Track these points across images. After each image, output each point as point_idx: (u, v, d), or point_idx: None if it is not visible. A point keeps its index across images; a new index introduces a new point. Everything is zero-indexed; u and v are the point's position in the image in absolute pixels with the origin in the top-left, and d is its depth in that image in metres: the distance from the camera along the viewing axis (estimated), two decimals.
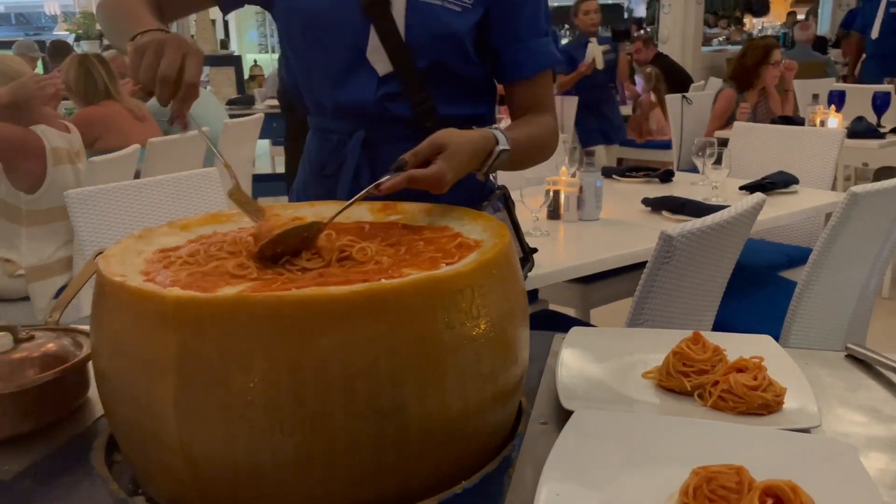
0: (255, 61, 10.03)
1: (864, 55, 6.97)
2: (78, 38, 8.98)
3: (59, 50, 6.40)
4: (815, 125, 4.11)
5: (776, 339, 1.07)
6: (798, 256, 2.79)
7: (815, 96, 4.45)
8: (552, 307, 2.59)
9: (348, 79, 1.19)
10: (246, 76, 8.86)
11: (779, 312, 1.95)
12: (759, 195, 1.74)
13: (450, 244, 0.86)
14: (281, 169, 6.25)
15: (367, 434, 0.68)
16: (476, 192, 1.26)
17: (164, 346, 0.67)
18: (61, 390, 0.88)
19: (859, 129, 4.13)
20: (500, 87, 1.30)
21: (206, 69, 8.54)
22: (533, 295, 2.40)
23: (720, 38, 13.83)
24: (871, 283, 2.05)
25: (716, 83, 5.61)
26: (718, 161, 2.60)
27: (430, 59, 1.16)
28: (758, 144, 3.23)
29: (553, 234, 2.20)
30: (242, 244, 0.86)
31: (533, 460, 0.79)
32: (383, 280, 0.72)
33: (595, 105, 5.21)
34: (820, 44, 8.38)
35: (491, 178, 1.32)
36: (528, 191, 2.11)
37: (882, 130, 4.26)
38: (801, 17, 12.13)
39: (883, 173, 4.49)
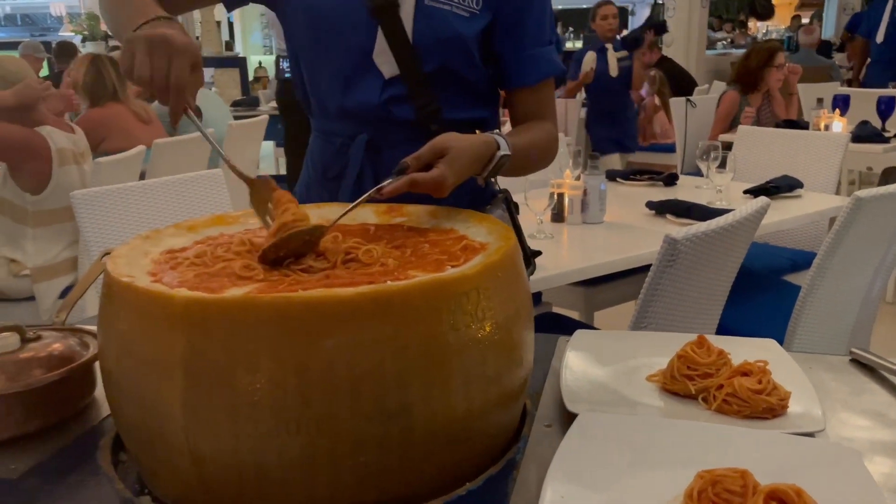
0: (260, 63, 10.04)
1: (868, 59, 6.96)
2: (84, 40, 9.01)
3: (65, 51, 6.42)
4: (819, 129, 4.11)
5: (780, 342, 1.07)
6: (802, 261, 2.78)
7: (820, 100, 4.45)
8: (556, 310, 2.59)
9: (354, 81, 1.19)
10: (251, 78, 8.88)
11: (782, 316, 1.95)
12: (763, 199, 1.74)
13: (455, 246, 0.86)
14: (285, 170, 6.26)
15: (372, 435, 0.69)
16: (479, 195, 1.26)
17: (171, 347, 0.68)
18: (68, 390, 0.88)
19: (864, 134, 4.12)
20: (502, 92, 1.31)
21: (211, 70, 8.57)
22: (537, 298, 2.40)
23: (724, 42, 13.82)
24: (875, 287, 2.05)
25: (720, 87, 5.60)
26: (723, 165, 2.59)
27: (437, 63, 1.17)
28: (762, 148, 3.23)
29: (557, 237, 2.20)
30: (249, 245, 0.87)
31: (537, 462, 0.79)
32: (389, 282, 0.72)
33: (609, 113, 5.04)
34: (824, 48, 8.37)
35: (493, 181, 1.33)
36: (532, 193, 2.12)
37: (886, 135, 4.25)
38: (805, 20, 12.13)
39: (887, 178, 4.48)
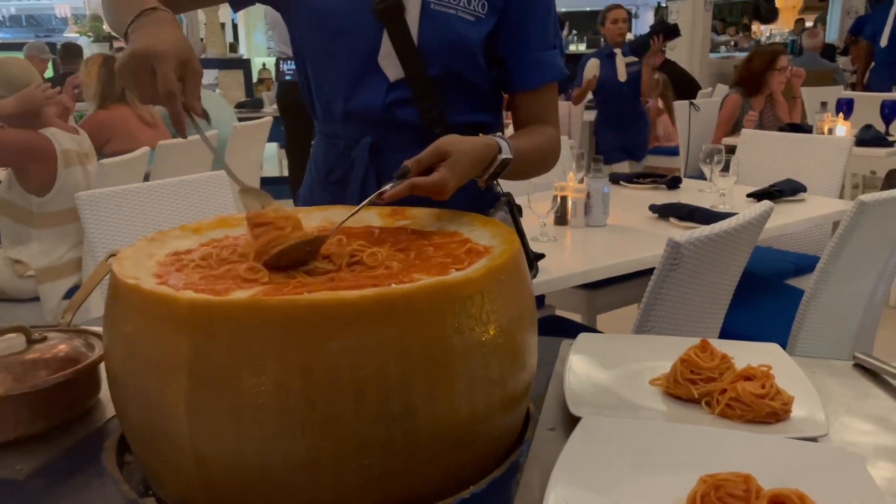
0: (264, 65, 10.06)
1: (872, 63, 6.96)
2: (91, 41, 9.04)
3: (70, 52, 6.44)
4: (823, 133, 4.11)
5: (783, 347, 1.07)
6: (805, 265, 2.78)
7: (824, 104, 4.45)
8: (558, 313, 2.59)
9: (358, 83, 1.19)
10: (254, 79, 8.90)
11: (786, 320, 1.95)
12: (766, 203, 1.74)
13: (459, 249, 0.86)
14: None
15: (376, 438, 0.69)
16: (482, 198, 1.26)
17: (176, 349, 0.68)
18: (73, 391, 0.89)
19: (867, 138, 4.12)
20: (505, 95, 1.31)
21: (215, 72, 8.59)
22: (539, 300, 2.40)
23: (728, 46, 13.82)
24: (878, 291, 2.05)
25: (723, 90, 5.59)
26: (726, 168, 2.60)
27: (442, 67, 1.17)
28: (765, 152, 3.23)
29: (560, 240, 2.20)
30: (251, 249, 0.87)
31: (541, 466, 0.79)
32: (394, 285, 0.73)
33: (618, 119, 4.89)
34: (828, 51, 8.37)
35: (496, 184, 1.33)
36: (535, 196, 2.12)
37: (890, 139, 4.25)
38: (809, 24, 12.13)
39: (891, 181, 4.48)
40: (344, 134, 1.24)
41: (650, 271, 1.58)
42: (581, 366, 1.01)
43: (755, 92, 4.43)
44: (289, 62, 5.13)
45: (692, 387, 0.92)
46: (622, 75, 4.73)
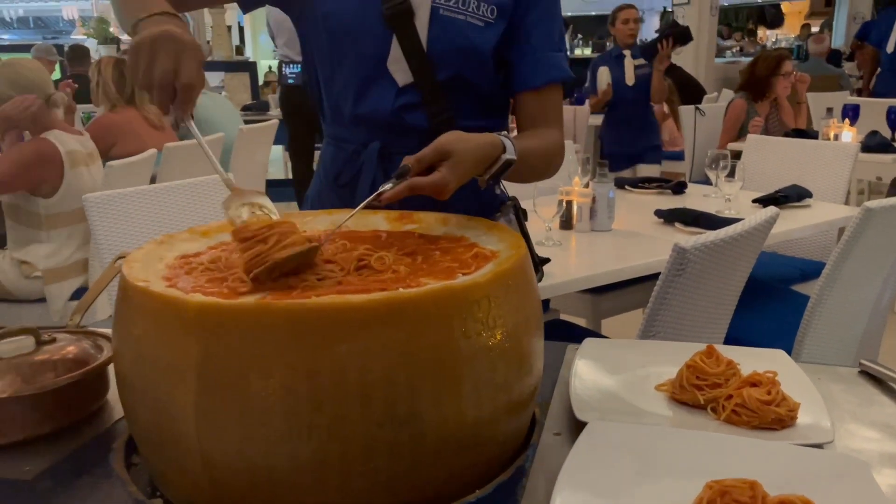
0: (270, 67, 10.10)
1: (878, 69, 6.95)
2: (98, 43, 9.07)
3: (78, 54, 6.47)
4: (828, 139, 4.10)
5: (788, 352, 1.07)
6: (811, 270, 2.78)
7: (830, 110, 4.44)
8: (563, 317, 2.59)
9: (367, 87, 1.20)
10: (260, 82, 8.93)
11: (791, 326, 1.95)
12: (772, 209, 1.74)
13: (466, 254, 0.87)
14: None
15: (382, 441, 0.69)
16: (488, 203, 1.26)
17: (185, 351, 0.69)
18: (82, 393, 0.89)
19: (873, 144, 4.11)
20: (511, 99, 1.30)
21: (221, 74, 8.61)
22: (544, 305, 2.41)
23: (733, 50, 13.81)
24: (884, 298, 2.04)
25: (729, 95, 5.59)
26: (732, 174, 2.60)
27: (450, 72, 1.17)
28: (771, 157, 3.23)
29: (565, 245, 2.20)
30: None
31: (546, 471, 0.80)
32: (401, 289, 0.73)
33: (625, 124, 4.61)
34: (834, 57, 8.36)
35: (502, 188, 1.33)
36: (540, 200, 2.12)
37: None
38: (815, 29, 12.10)
39: None
40: (352, 137, 1.24)
41: (655, 276, 1.58)
42: (587, 371, 1.01)
43: (760, 97, 4.43)
44: (292, 66, 5.15)
45: (698, 392, 0.92)
46: (630, 78, 4.49)
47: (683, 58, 7.69)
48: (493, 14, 1.17)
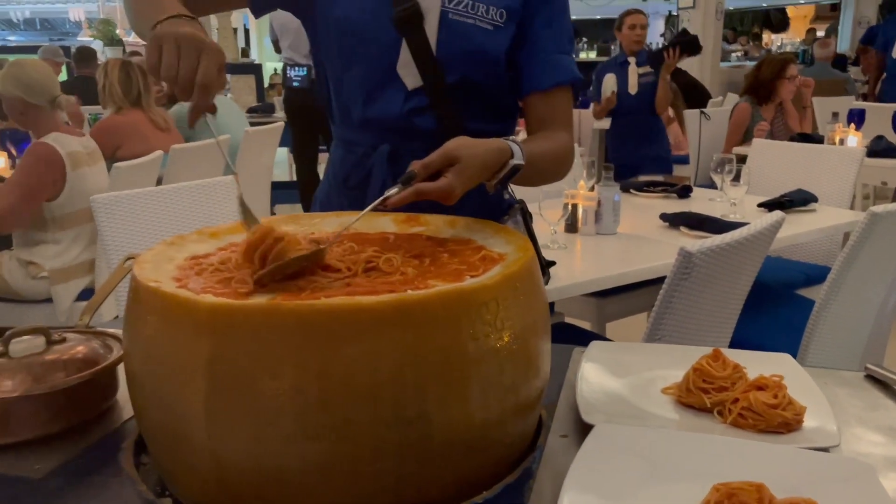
0: (276, 70, 10.13)
1: (884, 74, 6.94)
2: (104, 45, 9.11)
3: (84, 56, 6.49)
4: (834, 143, 4.10)
5: (793, 357, 1.07)
6: (816, 275, 2.78)
7: (835, 114, 4.44)
8: (567, 320, 2.60)
9: (377, 91, 1.20)
10: (266, 84, 8.95)
11: (796, 331, 1.95)
12: (778, 213, 1.74)
13: (474, 257, 0.87)
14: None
15: (391, 442, 0.70)
16: (496, 206, 1.27)
17: (195, 351, 0.69)
18: (92, 392, 0.90)
19: (879, 149, 4.11)
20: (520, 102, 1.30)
21: (227, 77, 8.64)
22: (549, 308, 2.41)
23: (738, 55, 13.81)
24: (889, 302, 2.04)
25: (734, 99, 5.59)
26: (737, 178, 2.60)
27: (460, 75, 1.18)
28: (776, 162, 3.23)
29: (570, 248, 2.21)
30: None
31: (553, 473, 0.80)
32: (410, 291, 0.73)
33: (628, 134, 4.39)
34: (840, 61, 8.35)
35: (510, 192, 1.34)
36: (545, 204, 2.13)
37: None
38: (820, 34, 12.10)
39: None
40: (362, 140, 1.24)
41: (660, 280, 1.58)
42: (593, 374, 1.01)
43: (765, 100, 4.42)
44: (296, 68, 5.16)
45: (704, 396, 0.92)
46: (633, 87, 4.29)
47: (688, 62, 7.68)
48: (502, 18, 1.18)
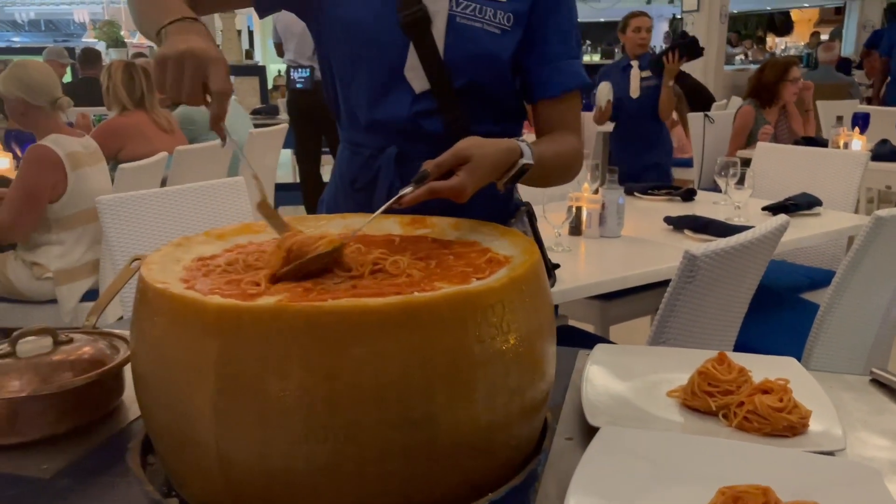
0: (280, 72, 10.13)
1: (888, 78, 6.94)
2: (108, 46, 9.14)
3: (89, 57, 6.51)
4: (838, 147, 4.10)
5: (797, 361, 1.07)
6: (820, 279, 2.77)
7: (840, 118, 4.44)
8: (571, 323, 2.59)
9: (384, 94, 1.20)
10: (270, 86, 8.97)
11: (800, 335, 1.95)
12: (783, 217, 1.74)
13: (480, 259, 0.87)
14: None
15: (397, 443, 0.70)
16: (503, 209, 1.27)
17: (203, 352, 0.69)
18: (99, 393, 0.90)
19: (883, 153, 4.11)
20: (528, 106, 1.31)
21: (231, 78, 8.66)
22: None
23: (743, 58, 13.80)
24: (894, 307, 2.04)
25: (738, 102, 5.58)
26: (741, 181, 2.60)
27: (467, 79, 1.18)
28: (781, 165, 3.23)
29: (574, 251, 2.21)
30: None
31: (558, 475, 0.80)
32: (416, 293, 0.74)
33: (628, 140, 4.16)
34: (844, 65, 8.34)
35: (516, 194, 1.34)
36: (550, 206, 2.13)
37: None
38: (824, 37, 12.09)
39: None
40: (369, 143, 1.25)
41: (663, 283, 1.58)
42: (598, 376, 1.01)
43: (768, 103, 4.42)
44: (299, 70, 5.16)
45: (710, 399, 0.92)
46: (634, 91, 4.09)
47: (692, 65, 7.67)
48: (509, 22, 1.18)
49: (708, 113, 4.89)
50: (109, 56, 8.32)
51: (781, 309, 2.53)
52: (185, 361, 0.71)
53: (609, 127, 4.29)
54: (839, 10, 14.95)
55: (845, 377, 1.08)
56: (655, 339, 1.57)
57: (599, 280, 1.95)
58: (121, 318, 2.02)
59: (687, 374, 0.97)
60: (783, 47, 15.94)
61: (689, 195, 2.91)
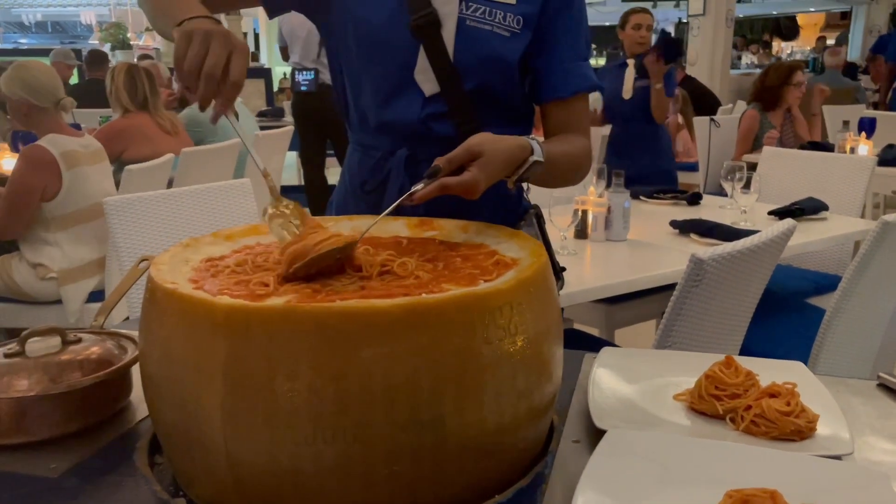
0: (285, 74, 10.15)
1: (895, 82, 6.92)
2: (114, 48, 9.17)
3: (96, 59, 6.53)
4: (845, 152, 4.09)
5: (804, 365, 1.07)
6: (826, 283, 2.77)
7: (846, 123, 4.43)
8: (576, 327, 2.59)
9: (394, 97, 1.20)
10: (275, 89, 8.98)
11: (806, 339, 1.94)
12: (789, 221, 1.74)
13: (487, 261, 0.88)
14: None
15: (405, 445, 0.70)
16: (512, 211, 1.27)
17: (212, 353, 0.70)
18: (107, 392, 0.91)
19: (889, 157, 4.10)
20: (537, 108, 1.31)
21: None
22: None
23: (748, 62, 13.79)
24: None
25: (744, 106, 5.58)
26: (747, 185, 2.59)
27: (477, 82, 1.18)
28: (787, 170, 3.22)
29: (580, 254, 2.21)
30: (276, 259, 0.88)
31: (565, 477, 0.80)
32: (425, 295, 0.74)
33: (623, 144, 3.93)
34: (850, 70, 8.33)
35: (525, 197, 1.34)
36: (556, 210, 2.13)
37: None
38: (831, 42, 12.07)
39: None
40: (379, 145, 1.25)
41: (669, 287, 1.58)
42: (605, 379, 1.01)
43: (771, 107, 4.41)
44: (304, 72, 5.16)
45: (717, 402, 0.92)
46: (627, 92, 3.84)
47: (698, 69, 7.69)
48: (518, 24, 1.18)
49: (714, 117, 4.89)
50: (115, 58, 8.34)
51: (787, 314, 2.52)
52: (194, 361, 0.71)
53: (605, 130, 4.11)
54: (845, 15, 14.94)
55: (852, 381, 1.08)
56: (661, 342, 1.57)
57: (605, 283, 1.95)
58: (127, 318, 2.02)
59: (693, 378, 0.97)
60: (789, 52, 15.92)
61: (694, 199, 2.91)
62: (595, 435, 0.86)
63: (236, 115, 0.98)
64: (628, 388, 1.00)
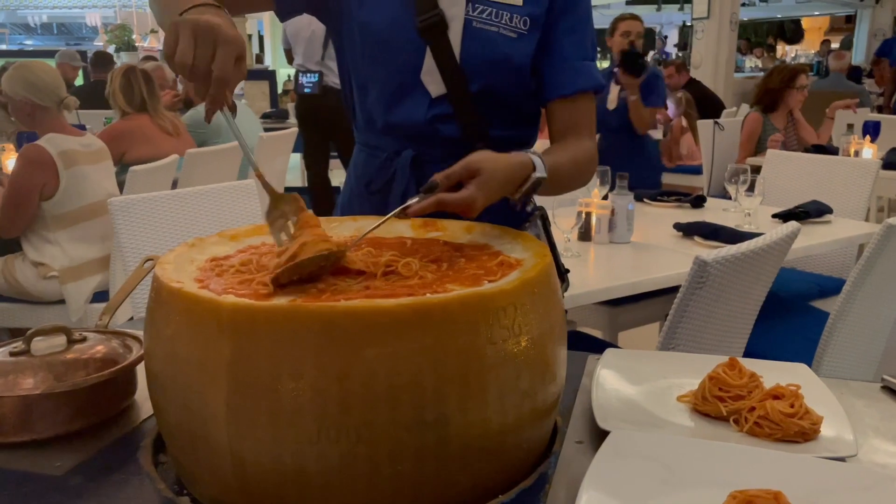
0: (289, 76, 10.17)
1: None
2: (118, 50, 9.19)
3: (101, 60, 6.55)
4: (849, 155, 4.09)
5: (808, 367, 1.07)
6: (830, 287, 2.76)
7: (850, 126, 4.42)
8: (579, 329, 2.59)
9: (401, 98, 1.21)
10: (279, 91, 9.00)
11: (810, 342, 1.94)
12: (793, 224, 1.73)
13: (491, 262, 0.88)
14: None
15: (409, 444, 0.70)
16: (517, 213, 1.27)
17: (217, 352, 0.70)
18: (112, 391, 0.91)
19: (894, 161, 4.09)
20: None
21: (241, 82, 8.70)
22: None
23: (752, 66, 13.78)
24: None
25: (747, 110, 5.58)
26: (751, 188, 2.59)
27: (483, 84, 1.18)
28: (791, 173, 3.22)
29: (584, 256, 2.21)
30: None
31: (569, 478, 0.80)
32: (429, 294, 0.74)
33: (609, 155, 3.43)
34: (854, 73, 8.32)
35: (529, 199, 1.34)
36: (559, 212, 2.13)
37: None
38: (835, 45, 12.06)
39: None
40: (385, 145, 1.25)
41: (672, 290, 1.58)
42: (608, 380, 1.01)
43: (772, 109, 4.41)
44: (308, 74, 5.17)
45: (720, 404, 0.92)
46: (611, 102, 3.74)
47: (702, 72, 7.70)
48: (525, 25, 1.18)
49: (718, 120, 4.89)
50: (121, 59, 8.36)
51: (791, 316, 2.52)
52: (199, 360, 0.71)
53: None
54: (850, 19, 14.92)
55: (856, 384, 1.07)
56: (665, 344, 1.57)
57: (609, 286, 1.95)
58: (131, 318, 2.03)
59: (697, 379, 0.97)
60: (793, 55, 15.91)
61: (698, 202, 2.91)
62: (598, 436, 0.86)
63: (233, 111, 0.95)
64: (632, 389, 1.00)
